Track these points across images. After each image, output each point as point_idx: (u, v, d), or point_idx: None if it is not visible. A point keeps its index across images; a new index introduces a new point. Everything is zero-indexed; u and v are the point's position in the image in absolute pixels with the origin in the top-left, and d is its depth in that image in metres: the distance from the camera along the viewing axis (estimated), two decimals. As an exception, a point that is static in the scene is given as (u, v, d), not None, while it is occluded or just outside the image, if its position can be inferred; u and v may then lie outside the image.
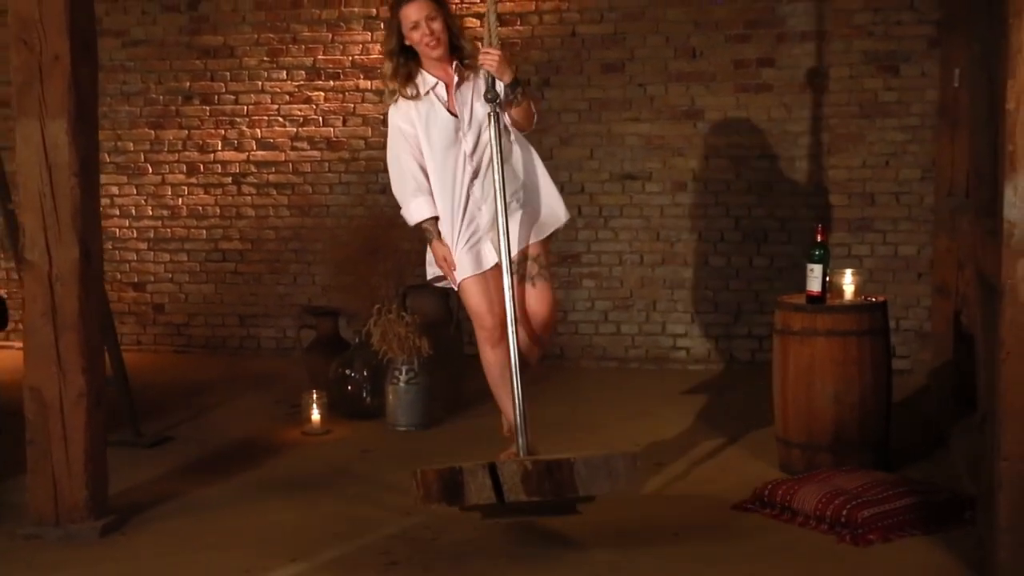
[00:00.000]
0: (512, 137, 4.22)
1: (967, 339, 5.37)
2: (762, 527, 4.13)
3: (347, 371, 5.84)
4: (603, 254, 7.09)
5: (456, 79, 4.16)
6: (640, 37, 6.93)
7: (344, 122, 7.38)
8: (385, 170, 7.06)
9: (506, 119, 4.17)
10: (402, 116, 4.21)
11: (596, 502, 3.87)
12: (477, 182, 4.18)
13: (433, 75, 4.17)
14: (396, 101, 4.21)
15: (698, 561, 3.83)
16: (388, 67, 4.20)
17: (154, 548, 4.01)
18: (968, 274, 5.30)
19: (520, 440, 4.02)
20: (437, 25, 4.09)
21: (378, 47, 7.19)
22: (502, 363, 4.23)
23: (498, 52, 4.05)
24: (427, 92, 4.17)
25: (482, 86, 4.10)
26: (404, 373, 5.59)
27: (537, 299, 4.29)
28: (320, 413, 5.54)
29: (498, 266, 4.11)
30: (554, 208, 4.32)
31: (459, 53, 4.19)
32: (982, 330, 4.34)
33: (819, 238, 4.74)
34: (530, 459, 3.78)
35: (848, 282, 4.79)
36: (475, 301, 4.26)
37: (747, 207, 6.89)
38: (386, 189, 7.25)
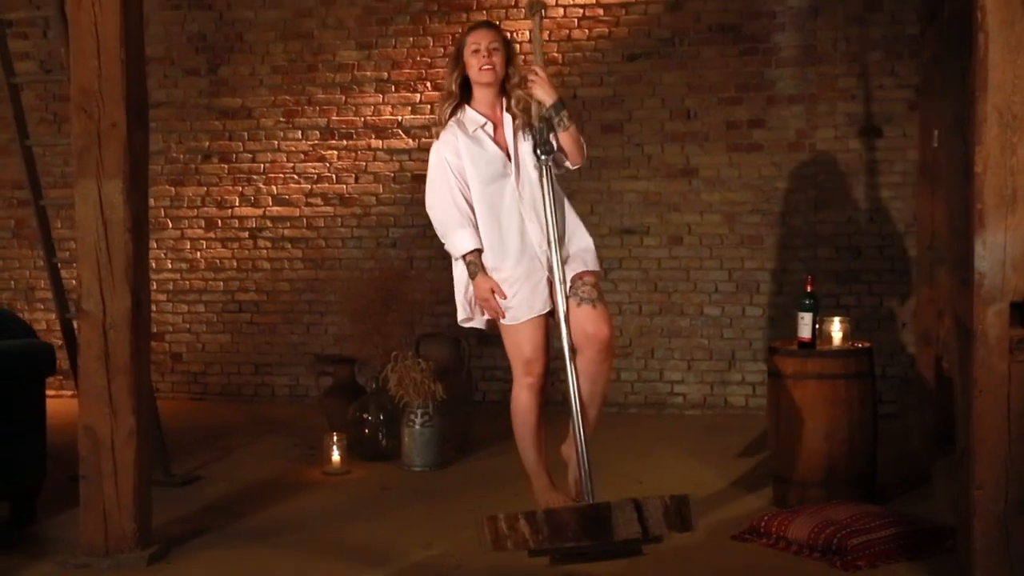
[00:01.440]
0: (555, 183, 4.34)
1: (948, 383, 5.73)
2: (759, 555, 4.46)
3: (364, 415, 6.17)
4: (603, 304, 7.45)
5: (505, 119, 4.36)
6: (638, 99, 7.35)
7: (356, 179, 7.75)
8: (395, 224, 7.65)
9: (559, 160, 4.36)
10: (449, 148, 4.33)
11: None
12: (533, 222, 4.28)
13: (481, 114, 4.37)
14: (442, 134, 4.36)
15: (701, 586, 4.16)
16: (446, 106, 4.38)
17: (198, 575, 4.33)
18: (947, 322, 5.66)
19: (587, 486, 4.16)
20: (497, 58, 4.30)
21: (389, 109, 7.64)
22: (538, 413, 4.35)
23: (544, 74, 4.28)
24: (475, 130, 4.34)
25: (527, 133, 4.31)
26: (419, 416, 5.91)
27: (597, 319, 4.27)
28: (340, 454, 5.86)
29: (551, 312, 4.27)
30: (588, 244, 4.42)
31: (508, 98, 4.37)
32: (959, 372, 4.70)
33: (809, 288, 5.11)
34: (667, 495, 3.91)
35: (836, 329, 5.16)
36: (529, 346, 4.30)
37: (740, 260, 7.27)
38: (396, 243, 7.68)
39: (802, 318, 5.07)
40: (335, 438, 5.89)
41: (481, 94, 4.39)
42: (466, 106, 4.40)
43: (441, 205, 4.35)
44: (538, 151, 4.27)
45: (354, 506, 5.24)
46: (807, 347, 5.05)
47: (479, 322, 4.46)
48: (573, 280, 4.30)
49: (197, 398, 7.99)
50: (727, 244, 7.29)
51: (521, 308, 4.29)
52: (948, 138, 5.33)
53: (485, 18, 7.44)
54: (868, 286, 7.10)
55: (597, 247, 7.40)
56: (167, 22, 7.91)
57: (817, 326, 5.10)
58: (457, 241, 4.31)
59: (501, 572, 4.31)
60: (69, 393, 7.35)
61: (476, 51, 4.33)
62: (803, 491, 4.96)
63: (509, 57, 4.39)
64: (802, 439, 4.96)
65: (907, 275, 6.99)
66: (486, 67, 4.31)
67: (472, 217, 4.31)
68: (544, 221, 4.26)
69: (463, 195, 4.31)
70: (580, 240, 4.39)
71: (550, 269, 4.26)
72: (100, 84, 4.24)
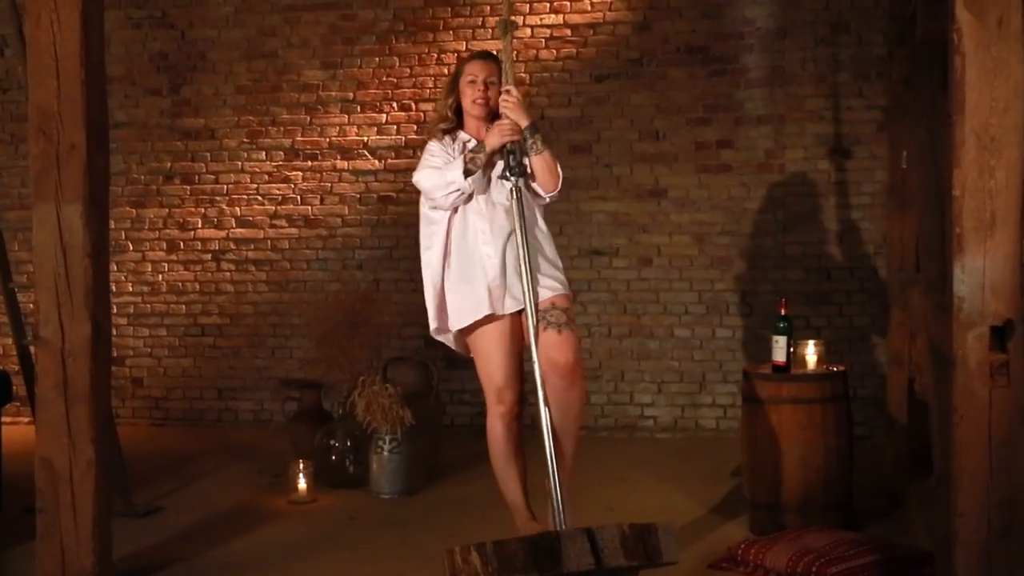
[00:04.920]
0: (536, 208, 4.35)
1: (920, 406, 5.69)
2: (737, 584, 4.39)
3: (331, 441, 6.05)
4: (572, 327, 7.37)
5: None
6: (606, 120, 7.29)
7: (321, 201, 7.64)
8: (361, 245, 7.58)
9: (534, 186, 4.32)
10: (440, 148, 4.40)
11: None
12: (487, 234, 4.28)
13: (469, 135, 4.42)
14: (435, 141, 4.46)
15: (678, 616, 4.07)
16: (441, 126, 4.44)
17: (160, 612, 4.21)
18: (920, 344, 5.64)
19: (558, 518, 4.02)
20: (492, 92, 4.33)
21: (354, 129, 7.55)
22: (514, 443, 4.30)
23: (517, 95, 4.24)
24: (463, 146, 4.37)
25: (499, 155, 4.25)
26: (388, 443, 5.80)
27: (560, 344, 4.20)
28: (306, 482, 5.73)
29: (516, 326, 4.27)
30: (559, 267, 4.42)
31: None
32: (935, 396, 4.66)
33: (783, 311, 5.05)
34: (626, 524, 3.67)
35: (811, 352, 5.11)
36: (500, 373, 4.27)
37: (710, 281, 7.22)
38: (362, 265, 7.58)
39: (776, 341, 5.01)
40: (301, 465, 5.76)
41: (471, 121, 4.43)
42: (459, 132, 4.46)
43: (431, 171, 4.35)
44: (508, 172, 4.19)
45: (322, 536, 5.12)
46: (781, 371, 5.00)
47: (448, 339, 4.47)
48: (544, 305, 4.22)
49: (159, 424, 7.83)
50: (697, 265, 7.23)
51: (483, 303, 4.27)
52: (919, 160, 5.30)
53: (452, 38, 7.41)
54: (838, 307, 7.07)
55: (565, 268, 7.39)
56: (128, 41, 7.78)
57: (792, 349, 5.04)
58: (453, 173, 4.26)
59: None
60: (26, 420, 7.19)
61: (472, 82, 4.36)
62: (779, 517, 4.90)
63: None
64: (777, 465, 4.90)
65: (877, 296, 6.97)
66: (479, 100, 4.35)
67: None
68: (505, 244, 4.26)
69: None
70: (553, 265, 4.37)
71: (521, 294, 4.19)
72: (59, 105, 4.11)
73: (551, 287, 4.29)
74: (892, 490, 5.55)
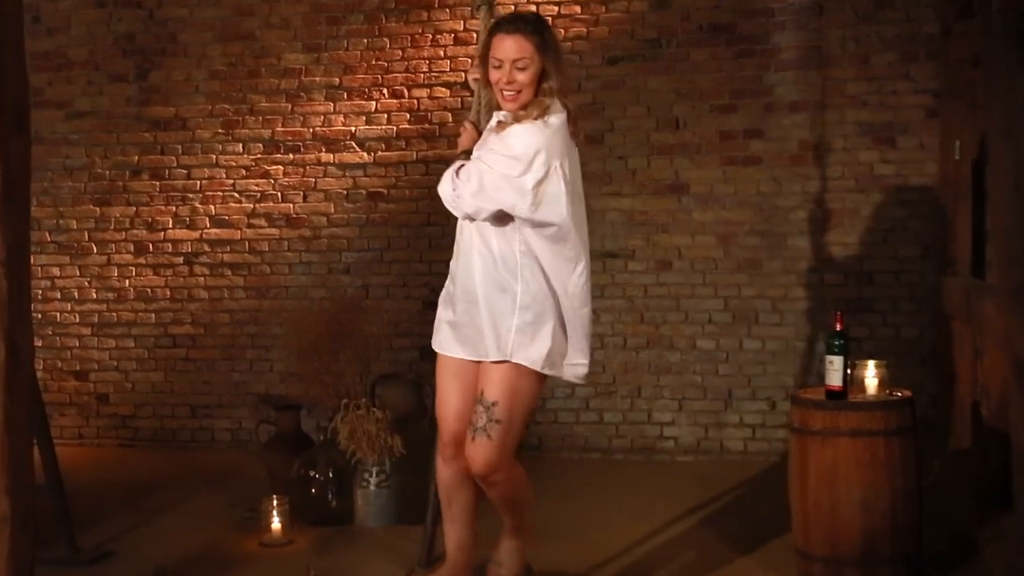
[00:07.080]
0: (519, 237, 3.60)
1: (991, 433, 4.96)
2: (791, 659, 3.66)
3: (310, 472, 5.34)
4: (583, 337, 6.67)
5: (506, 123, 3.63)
6: (620, 107, 6.61)
7: (304, 198, 6.95)
8: (348, 247, 6.94)
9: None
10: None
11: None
12: (473, 249, 3.68)
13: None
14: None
15: None
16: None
17: None
18: (989, 362, 4.90)
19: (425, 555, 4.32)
20: (523, 76, 3.50)
21: (340, 118, 6.91)
22: (449, 484, 3.85)
23: (472, 130, 3.81)
24: (491, 128, 3.73)
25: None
26: (374, 475, 5.13)
27: (472, 453, 3.67)
28: (281, 522, 5.01)
29: (471, 371, 3.73)
30: (490, 336, 3.64)
31: (528, 107, 3.55)
32: (1021, 427, 3.92)
33: (838, 327, 4.30)
34: None
35: (871, 375, 4.35)
36: (443, 407, 3.85)
37: (736, 286, 6.54)
38: (350, 269, 6.89)
39: (830, 362, 4.26)
40: (275, 502, 5.05)
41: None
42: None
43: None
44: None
45: (295, 590, 4.40)
46: (837, 397, 4.24)
47: None
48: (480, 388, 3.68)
49: (126, 444, 7.14)
50: (721, 269, 6.56)
51: (437, 335, 3.84)
52: (993, 148, 4.57)
53: (448, 16, 6.78)
54: (882, 316, 6.36)
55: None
56: (91, 22, 7.14)
57: (848, 371, 4.29)
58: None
59: None
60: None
61: (499, 65, 3.55)
62: (835, 571, 4.17)
63: (548, 65, 3.54)
64: (833, 508, 4.15)
65: (926, 304, 6.25)
66: (508, 91, 3.54)
67: None
68: (469, 269, 3.71)
69: None
70: (502, 319, 3.62)
71: (469, 344, 3.76)
72: (-36, 80, 3.37)
73: (483, 353, 3.67)
74: (960, 530, 4.80)
